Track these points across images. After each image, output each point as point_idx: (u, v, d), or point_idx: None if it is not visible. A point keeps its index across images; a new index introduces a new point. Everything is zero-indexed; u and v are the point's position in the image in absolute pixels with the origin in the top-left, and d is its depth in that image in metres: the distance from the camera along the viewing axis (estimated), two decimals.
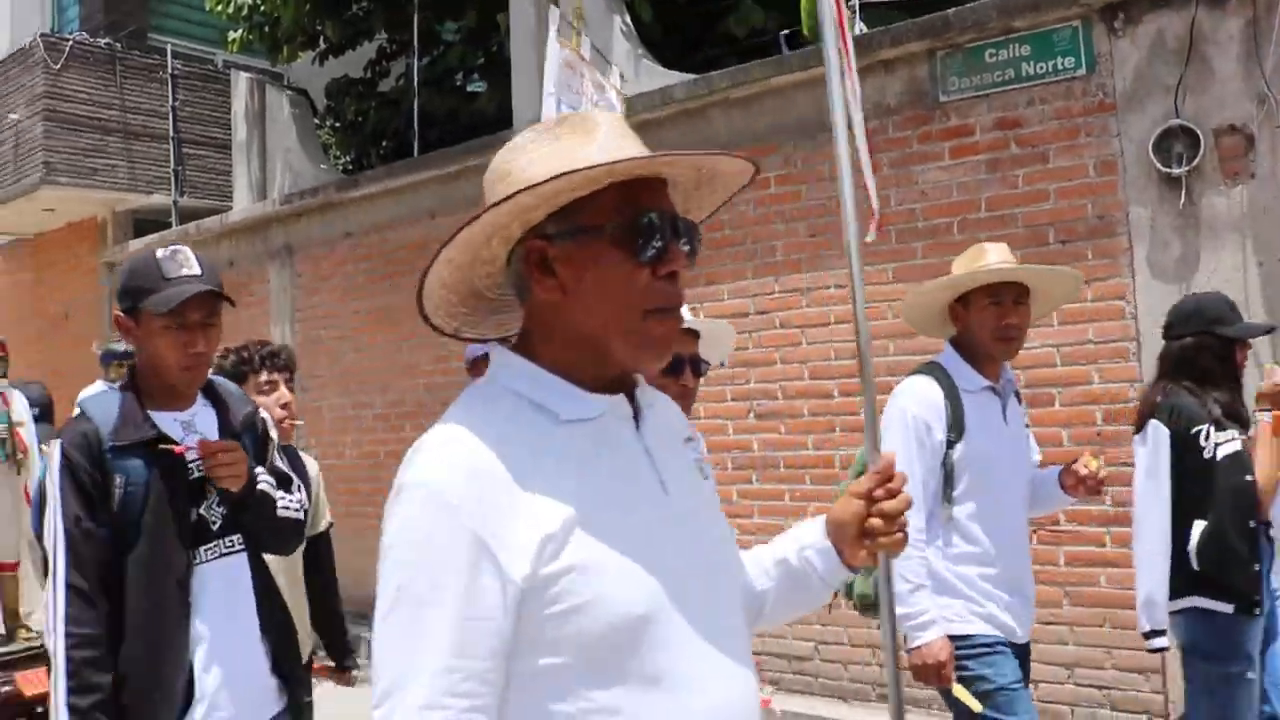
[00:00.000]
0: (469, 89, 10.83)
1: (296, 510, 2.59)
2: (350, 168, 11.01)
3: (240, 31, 10.52)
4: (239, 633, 2.39)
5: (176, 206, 11.47)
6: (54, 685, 2.18)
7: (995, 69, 5.44)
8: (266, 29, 10.40)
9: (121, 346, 6.07)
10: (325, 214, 9.37)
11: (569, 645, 1.26)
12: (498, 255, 1.39)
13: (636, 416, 1.42)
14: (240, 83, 10.68)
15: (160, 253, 2.43)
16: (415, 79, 9.42)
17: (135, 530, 2.30)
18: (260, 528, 2.51)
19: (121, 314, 2.46)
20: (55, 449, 2.33)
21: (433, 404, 7.87)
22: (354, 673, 3.48)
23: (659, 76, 6.96)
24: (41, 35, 11.31)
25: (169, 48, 11.82)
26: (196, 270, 2.41)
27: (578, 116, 1.38)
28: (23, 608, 5.53)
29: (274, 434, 2.75)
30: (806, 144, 6.13)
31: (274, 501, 2.52)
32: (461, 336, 1.48)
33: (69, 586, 2.21)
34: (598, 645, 1.27)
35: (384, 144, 11.26)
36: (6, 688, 4.79)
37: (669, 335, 1.36)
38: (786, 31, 7.36)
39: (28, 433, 5.09)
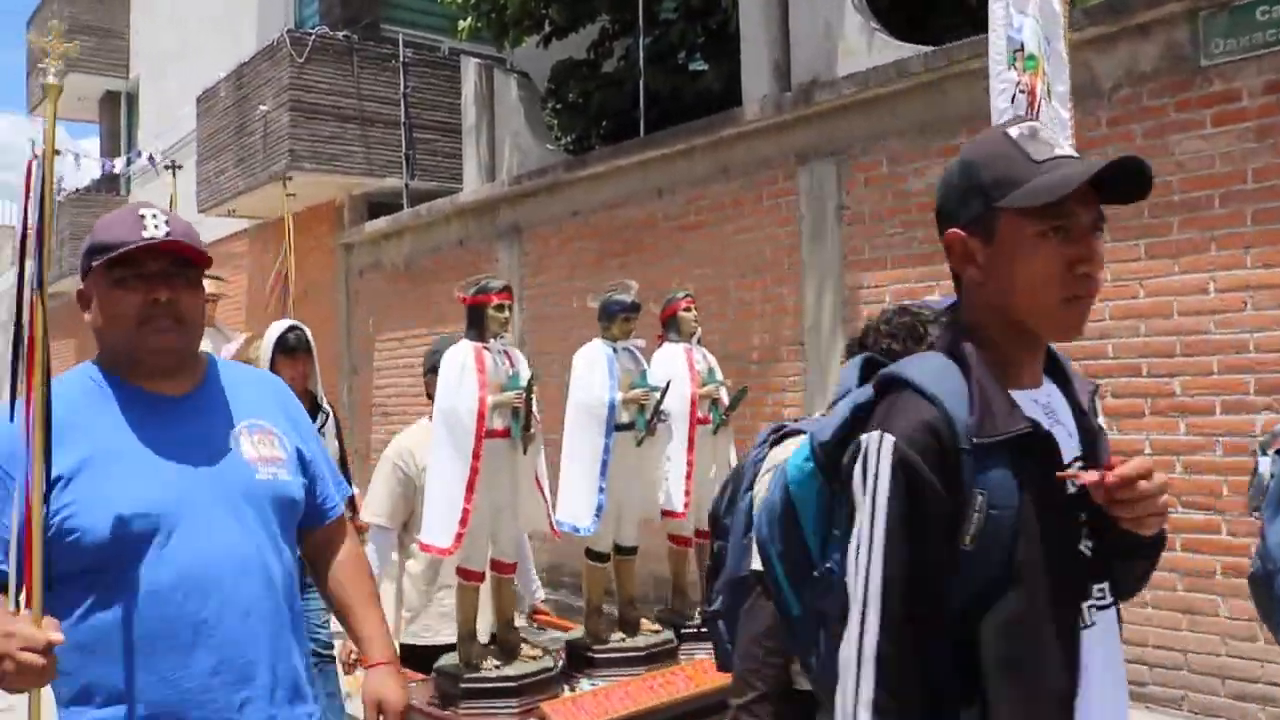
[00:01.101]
0: (691, 68, 10.89)
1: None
2: (572, 148, 11.26)
3: (469, 20, 10.89)
4: (1114, 711, 1.62)
5: (408, 189, 12.01)
6: None
7: (1268, 27, 5.10)
8: (493, 15, 10.74)
9: (628, 297, 4.41)
10: (553, 194, 9.62)
11: None
12: None
13: None
14: (469, 68, 11.06)
15: (1013, 131, 1.59)
16: (642, 58, 9.53)
17: (999, 574, 1.50)
18: (1134, 581, 1.74)
19: (962, 229, 1.60)
20: (885, 447, 1.51)
21: None
22: None
23: (892, 50, 6.81)
24: (287, 31, 12.02)
25: (400, 37, 12.37)
26: (1070, 151, 1.58)
27: None
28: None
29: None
30: None
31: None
32: None
33: (879, 659, 1.47)
34: None
35: (604, 124, 11.46)
36: (533, 718, 3.62)
37: None
38: None
39: (535, 402, 3.84)
